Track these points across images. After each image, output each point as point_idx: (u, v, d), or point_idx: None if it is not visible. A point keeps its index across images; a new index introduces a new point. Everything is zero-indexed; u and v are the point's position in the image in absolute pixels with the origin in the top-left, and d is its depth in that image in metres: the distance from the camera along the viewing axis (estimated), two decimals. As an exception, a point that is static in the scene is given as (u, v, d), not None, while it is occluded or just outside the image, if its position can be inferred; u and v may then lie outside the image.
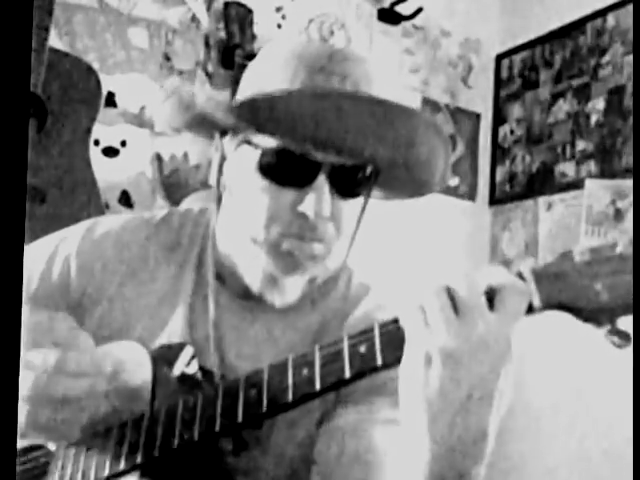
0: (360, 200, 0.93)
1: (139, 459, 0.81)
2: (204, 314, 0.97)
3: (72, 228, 1.05)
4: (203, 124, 0.93)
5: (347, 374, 0.74)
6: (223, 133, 0.94)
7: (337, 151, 0.87)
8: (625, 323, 0.66)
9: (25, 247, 1.01)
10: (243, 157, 0.91)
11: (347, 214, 0.91)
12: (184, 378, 0.88)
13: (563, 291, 0.68)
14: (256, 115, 0.86)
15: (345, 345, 0.75)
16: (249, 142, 0.90)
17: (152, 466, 0.82)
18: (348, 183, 0.90)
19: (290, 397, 0.76)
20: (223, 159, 0.95)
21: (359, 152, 0.88)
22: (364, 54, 0.94)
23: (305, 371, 0.76)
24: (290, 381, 0.76)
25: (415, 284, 0.74)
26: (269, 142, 0.88)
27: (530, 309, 0.69)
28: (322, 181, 0.87)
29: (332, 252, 0.92)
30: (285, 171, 0.88)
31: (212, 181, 0.97)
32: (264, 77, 0.91)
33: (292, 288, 0.95)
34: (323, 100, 0.83)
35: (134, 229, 1.02)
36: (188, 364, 0.89)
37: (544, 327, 0.71)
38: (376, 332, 0.73)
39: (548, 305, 0.69)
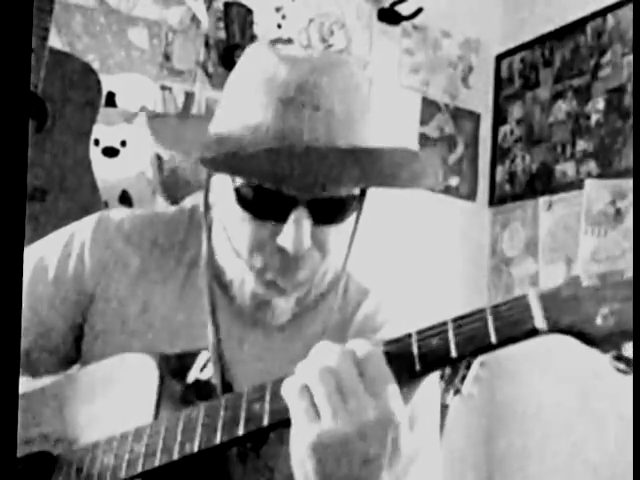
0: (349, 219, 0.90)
1: (139, 468, 0.81)
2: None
3: (85, 219, 1.03)
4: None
5: None
6: None
7: (312, 190, 0.84)
8: (630, 349, 0.65)
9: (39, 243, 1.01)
10: (226, 182, 0.88)
11: (335, 236, 0.89)
12: (198, 384, 0.88)
13: (569, 315, 0.67)
14: (224, 166, 0.84)
15: None
16: None
17: (153, 476, 0.81)
18: (329, 213, 0.87)
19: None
20: (210, 175, 0.94)
21: (334, 190, 0.85)
22: (340, 66, 0.87)
23: None
24: None
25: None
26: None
27: (535, 332, 0.68)
28: (300, 214, 0.84)
29: (318, 274, 0.91)
30: (261, 206, 0.85)
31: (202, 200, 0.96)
32: (236, 108, 0.88)
33: (283, 308, 0.95)
34: (289, 153, 0.81)
35: (145, 225, 1.01)
36: (202, 369, 0.89)
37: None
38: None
39: (553, 329, 0.68)
